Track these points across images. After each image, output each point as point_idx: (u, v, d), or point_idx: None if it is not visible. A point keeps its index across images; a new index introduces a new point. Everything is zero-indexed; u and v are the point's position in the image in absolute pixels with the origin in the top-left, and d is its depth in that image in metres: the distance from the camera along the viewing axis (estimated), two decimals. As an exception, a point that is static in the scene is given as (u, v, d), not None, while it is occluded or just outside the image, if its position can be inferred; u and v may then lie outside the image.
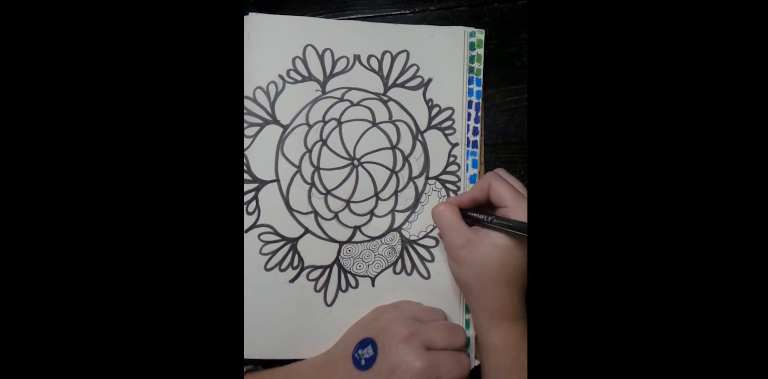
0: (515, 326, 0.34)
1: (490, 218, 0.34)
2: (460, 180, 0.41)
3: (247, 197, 0.40)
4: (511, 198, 0.34)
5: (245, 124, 0.40)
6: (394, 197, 0.41)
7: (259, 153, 0.40)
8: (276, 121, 0.40)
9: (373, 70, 0.41)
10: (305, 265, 0.40)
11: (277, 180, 0.40)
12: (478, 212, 0.36)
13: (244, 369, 0.38)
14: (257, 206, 0.40)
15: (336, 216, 0.40)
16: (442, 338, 0.35)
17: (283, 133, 0.40)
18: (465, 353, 0.36)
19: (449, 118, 0.41)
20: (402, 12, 0.44)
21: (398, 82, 0.41)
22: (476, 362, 0.38)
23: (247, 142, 0.40)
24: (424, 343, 0.34)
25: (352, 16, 0.44)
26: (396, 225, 0.41)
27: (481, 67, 0.42)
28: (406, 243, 0.41)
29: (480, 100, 0.42)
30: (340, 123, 0.41)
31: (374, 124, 0.41)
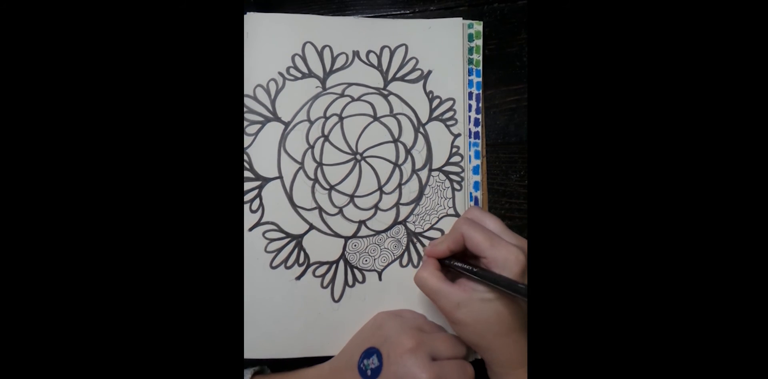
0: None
1: (474, 270, 0.33)
2: (463, 171, 0.41)
3: (250, 195, 0.39)
4: (489, 248, 0.33)
5: (247, 123, 0.40)
6: (398, 190, 0.40)
7: (262, 151, 0.40)
8: (277, 119, 0.40)
9: (372, 65, 0.41)
10: (311, 261, 0.39)
11: (280, 177, 0.40)
12: (461, 262, 0.35)
13: (252, 371, 0.37)
14: (261, 204, 0.39)
15: (340, 211, 0.40)
16: (447, 347, 0.35)
17: (285, 130, 0.40)
18: (468, 362, 0.36)
19: (450, 109, 0.41)
20: (402, 12, 0.45)
21: (398, 75, 0.41)
22: (476, 356, 0.38)
23: (249, 140, 0.40)
24: (429, 353, 0.33)
25: (351, 16, 0.44)
26: (401, 218, 0.40)
27: (480, 58, 0.42)
28: (412, 236, 0.40)
29: (480, 92, 0.42)
30: (341, 118, 0.41)
31: (375, 118, 0.41)
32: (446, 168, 0.41)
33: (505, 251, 0.33)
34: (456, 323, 0.34)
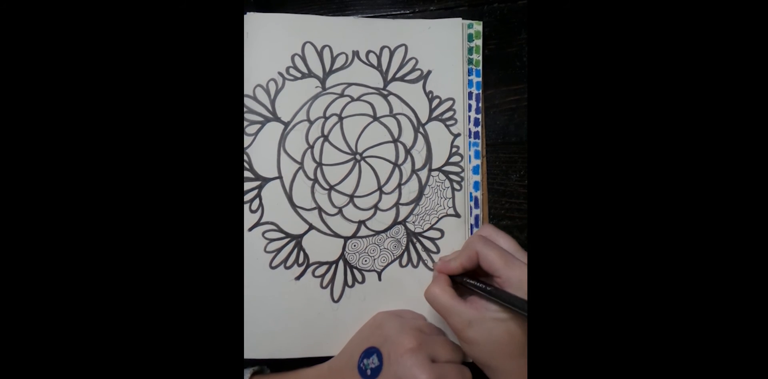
0: None
1: (487, 289, 0.33)
2: (463, 171, 0.41)
3: (250, 195, 0.39)
4: (504, 267, 0.33)
5: (246, 123, 0.40)
6: (397, 191, 0.40)
7: (261, 151, 0.40)
8: (277, 119, 0.40)
9: (372, 65, 0.41)
10: (311, 261, 0.39)
11: (280, 177, 0.40)
12: (474, 279, 0.35)
13: (251, 371, 0.37)
14: (260, 204, 0.39)
15: (340, 211, 0.40)
16: (446, 351, 0.35)
17: (285, 130, 0.40)
18: (467, 367, 0.35)
19: (450, 108, 0.41)
20: (402, 12, 0.45)
21: (398, 75, 0.41)
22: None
23: (248, 140, 0.40)
24: (429, 355, 0.33)
25: (351, 16, 0.44)
26: (401, 218, 0.40)
27: (480, 58, 0.42)
28: (412, 236, 0.40)
29: (480, 92, 0.42)
30: (341, 118, 0.41)
31: (375, 118, 0.41)
32: (446, 168, 0.41)
33: (520, 271, 0.32)
34: (467, 342, 0.33)
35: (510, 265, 0.33)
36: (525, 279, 0.32)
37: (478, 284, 0.34)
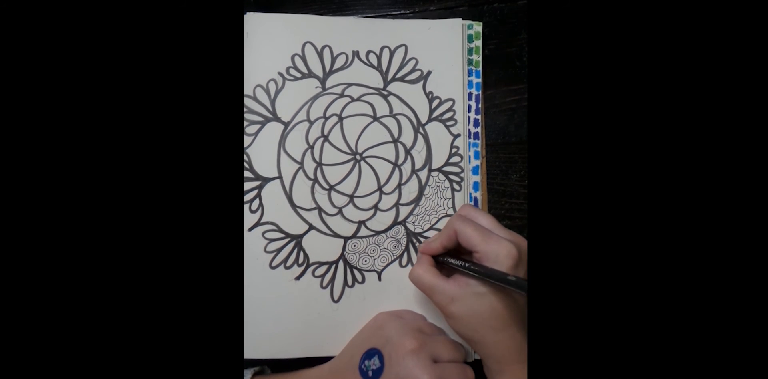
0: (524, 368, 0.33)
1: (466, 265, 0.33)
2: (463, 171, 0.41)
3: (250, 195, 0.39)
4: (481, 242, 0.33)
5: (246, 123, 0.40)
6: (397, 191, 0.41)
7: (261, 151, 0.40)
8: (277, 119, 0.40)
9: (372, 65, 0.41)
10: (311, 261, 0.39)
11: (280, 177, 0.40)
12: (454, 257, 0.35)
13: (252, 371, 0.37)
14: (260, 204, 0.39)
15: (340, 211, 0.40)
16: (448, 351, 0.35)
17: (285, 130, 0.40)
18: (469, 365, 0.35)
19: (450, 109, 0.41)
20: (402, 12, 0.45)
21: (398, 76, 0.41)
22: (476, 356, 0.38)
23: (248, 140, 0.40)
24: (431, 355, 0.34)
25: (351, 16, 0.44)
26: (401, 218, 0.40)
27: (480, 59, 0.42)
28: (412, 236, 0.40)
29: (479, 92, 0.42)
30: (341, 118, 0.41)
31: (375, 118, 0.41)
32: (446, 168, 0.41)
33: (497, 245, 0.33)
34: (450, 318, 0.34)
35: (487, 240, 0.33)
36: (501, 252, 0.32)
37: (457, 261, 0.34)
